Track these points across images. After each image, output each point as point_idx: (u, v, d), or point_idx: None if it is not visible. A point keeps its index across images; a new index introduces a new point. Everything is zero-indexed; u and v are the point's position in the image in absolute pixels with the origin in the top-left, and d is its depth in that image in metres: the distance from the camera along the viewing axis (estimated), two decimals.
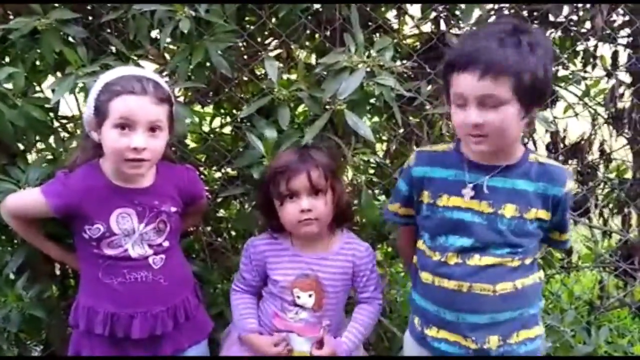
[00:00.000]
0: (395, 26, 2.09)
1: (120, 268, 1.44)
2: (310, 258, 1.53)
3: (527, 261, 1.40)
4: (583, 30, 2.13)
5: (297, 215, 1.47)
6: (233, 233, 2.08)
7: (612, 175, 2.47)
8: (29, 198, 1.47)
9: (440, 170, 1.40)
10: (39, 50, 1.64)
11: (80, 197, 1.41)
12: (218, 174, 2.11)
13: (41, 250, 1.59)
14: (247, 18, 1.93)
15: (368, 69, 1.63)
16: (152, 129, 1.37)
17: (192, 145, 2.11)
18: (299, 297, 1.52)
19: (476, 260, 1.35)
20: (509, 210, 1.34)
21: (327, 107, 1.65)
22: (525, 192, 1.34)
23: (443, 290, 1.38)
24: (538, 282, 1.44)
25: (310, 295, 1.51)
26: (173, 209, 1.49)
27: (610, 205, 2.45)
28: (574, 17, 2.10)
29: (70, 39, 1.70)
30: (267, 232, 1.60)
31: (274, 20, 1.89)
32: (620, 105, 2.19)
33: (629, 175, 2.43)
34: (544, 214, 1.36)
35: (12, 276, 1.67)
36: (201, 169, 2.08)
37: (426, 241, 1.43)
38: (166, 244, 1.49)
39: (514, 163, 1.35)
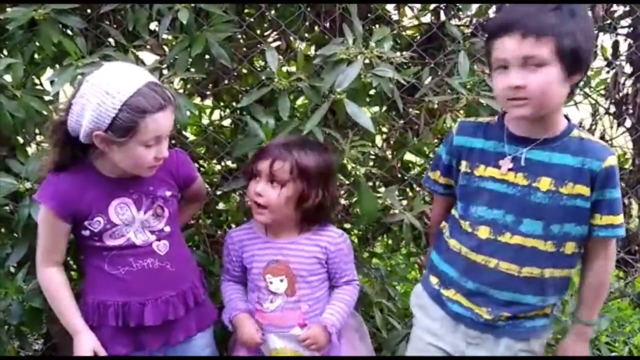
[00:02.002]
0: (395, 17, 2.09)
1: (126, 257, 1.44)
2: (280, 244, 1.56)
3: (567, 250, 1.37)
4: None
5: (252, 196, 1.52)
6: (233, 226, 2.08)
7: None
8: (41, 225, 1.42)
9: (481, 141, 1.40)
10: (37, 43, 1.64)
11: (75, 192, 1.40)
12: (218, 167, 2.11)
13: (67, 314, 1.46)
14: (246, 10, 1.92)
15: (366, 60, 1.62)
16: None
17: (192, 137, 2.11)
18: (271, 282, 1.54)
19: (507, 237, 1.36)
20: (545, 183, 1.32)
21: (327, 97, 1.65)
22: (562, 166, 1.32)
23: (470, 261, 1.40)
24: (569, 276, 1.43)
25: (281, 280, 1.54)
26: (168, 193, 1.50)
27: None
28: None
29: (68, 30, 1.70)
30: (247, 222, 1.64)
31: (273, 11, 1.88)
32: (622, 93, 2.19)
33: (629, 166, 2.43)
34: (582, 189, 1.32)
35: (12, 269, 1.67)
36: (201, 161, 2.08)
37: (459, 210, 1.44)
38: (167, 229, 1.49)
39: (553, 136, 1.33)
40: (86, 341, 1.44)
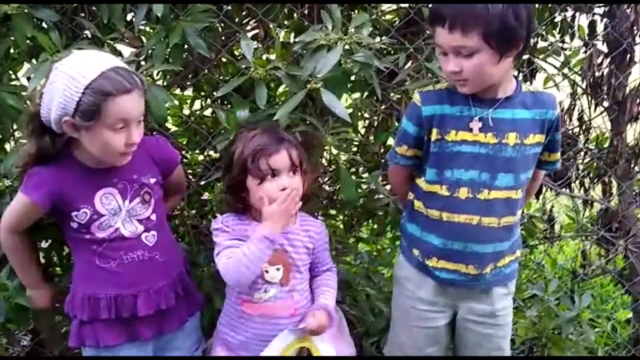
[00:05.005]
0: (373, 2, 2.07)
1: (116, 250, 1.45)
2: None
3: (524, 190, 1.52)
4: None
5: (277, 193, 1.45)
6: (218, 215, 2.08)
7: (592, 146, 2.50)
8: (15, 205, 1.45)
9: (448, 107, 1.46)
10: (12, 38, 1.62)
11: (60, 184, 1.41)
12: (200, 157, 2.10)
13: (21, 272, 1.56)
14: None
15: (346, 47, 1.62)
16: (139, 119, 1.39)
17: (173, 128, 2.10)
18: (267, 271, 1.51)
19: (485, 194, 1.46)
20: (512, 138, 1.44)
21: (307, 85, 1.64)
22: (523, 120, 1.45)
23: (453, 224, 1.48)
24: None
25: (278, 269, 1.52)
26: (152, 180, 1.50)
27: (591, 175, 2.48)
28: None
29: (43, 24, 1.67)
30: (231, 213, 1.56)
31: None
32: (598, 74, 2.20)
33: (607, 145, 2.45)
34: (540, 138, 1.48)
35: None
36: (183, 152, 2.07)
37: (433, 176, 1.50)
38: (154, 217, 1.50)
39: (511, 94, 1.45)
40: (41, 296, 1.56)
